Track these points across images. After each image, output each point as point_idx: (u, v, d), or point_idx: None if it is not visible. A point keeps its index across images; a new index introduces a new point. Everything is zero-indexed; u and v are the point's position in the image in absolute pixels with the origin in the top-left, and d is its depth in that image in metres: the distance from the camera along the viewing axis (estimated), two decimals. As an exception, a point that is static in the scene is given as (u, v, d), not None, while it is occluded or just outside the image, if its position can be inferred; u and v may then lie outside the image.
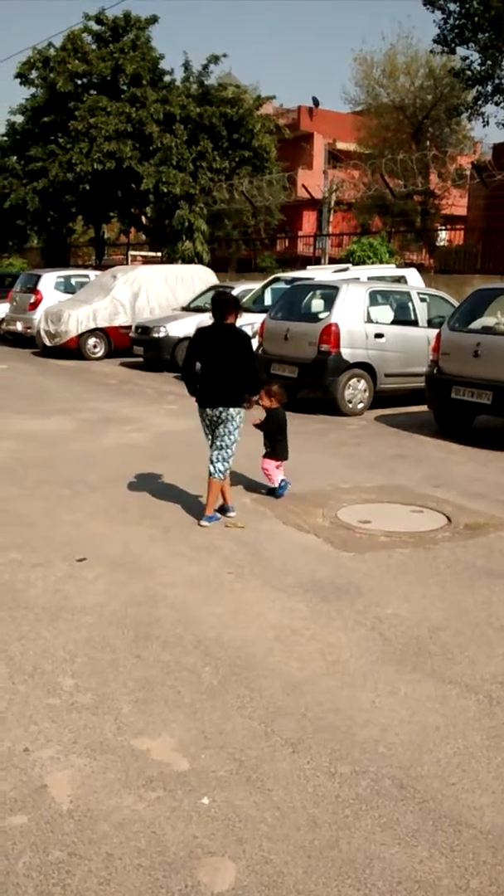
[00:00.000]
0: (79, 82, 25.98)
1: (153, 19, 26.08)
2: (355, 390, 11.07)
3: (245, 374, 6.03)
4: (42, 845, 2.62)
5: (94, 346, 17.59)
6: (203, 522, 5.99)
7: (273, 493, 6.83)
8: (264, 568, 5.16)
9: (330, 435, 9.73)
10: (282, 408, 6.94)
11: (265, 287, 14.92)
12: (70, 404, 11.34)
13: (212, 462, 6.06)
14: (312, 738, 3.26)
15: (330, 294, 11.40)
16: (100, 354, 17.60)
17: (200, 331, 6.30)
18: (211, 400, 6.02)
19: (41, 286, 19.56)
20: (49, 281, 19.78)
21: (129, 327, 16.87)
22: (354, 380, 11.03)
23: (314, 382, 11.13)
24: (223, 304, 6.13)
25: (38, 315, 18.58)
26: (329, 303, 11.26)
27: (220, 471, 6.04)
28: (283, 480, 6.83)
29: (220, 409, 5.99)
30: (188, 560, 5.27)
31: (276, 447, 6.84)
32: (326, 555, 5.46)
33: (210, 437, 6.18)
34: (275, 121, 27.94)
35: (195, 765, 3.07)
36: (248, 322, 13.16)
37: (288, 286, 13.28)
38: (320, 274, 14.49)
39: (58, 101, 25.58)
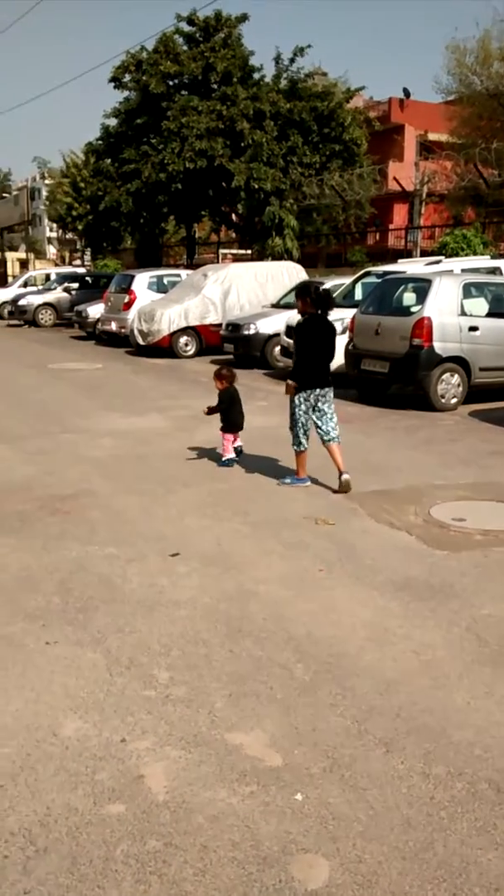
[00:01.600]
0: (171, 83, 26.35)
1: (243, 17, 26.20)
2: (448, 385, 10.86)
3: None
4: (139, 834, 2.68)
5: (186, 345, 17.83)
6: (345, 477, 6.82)
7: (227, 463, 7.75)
8: (356, 565, 5.13)
9: (422, 431, 9.58)
10: (232, 386, 7.95)
11: (356, 281, 14.81)
12: (163, 402, 11.54)
13: (328, 432, 6.87)
14: (406, 739, 3.22)
15: (422, 287, 11.22)
16: (191, 352, 17.82)
17: (310, 323, 6.91)
18: (323, 381, 6.87)
19: (134, 286, 19.93)
20: (142, 281, 20.15)
21: (219, 325, 17.03)
22: (447, 374, 10.83)
23: (406, 377, 10.98)
24: (327, 298, 6.92)
25: (131, 315, 18.95)
26: (421, 296, 11.08)
27: (337, 434, 6.94)
28: (229, 458, 7.77)
29: (328, 388, 6.92)
30: (279, 557, 5.29)
31: (228, 421, 7.86)
32: (419, 553, 5.38)
33: (307, 415, 6.90)
34: (365, 113, 27.67)
35: (288, 761, 3.08)
36: (339, 317, 13.12)
37: (379, 280, 13.13)
38: (412, 267, 14.26)
39: (150, 102, 26.01)
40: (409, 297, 11.78)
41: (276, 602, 4.55)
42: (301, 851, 2.60)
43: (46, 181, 47.30)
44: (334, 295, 14.65)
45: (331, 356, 6.94)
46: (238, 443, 7.97)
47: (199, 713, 3.41)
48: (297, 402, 6.90)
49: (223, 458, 7.79)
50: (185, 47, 26.54)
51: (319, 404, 6.87)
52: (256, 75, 26.77)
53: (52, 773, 3.01)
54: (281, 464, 7.68)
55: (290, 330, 6.77)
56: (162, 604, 4.52)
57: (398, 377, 11.06)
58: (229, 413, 7.90)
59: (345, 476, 6.81)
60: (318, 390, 6.84)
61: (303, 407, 6.89)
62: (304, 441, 6.96)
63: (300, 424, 6.91)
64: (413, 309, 11.17)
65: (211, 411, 7.98)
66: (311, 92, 25.58)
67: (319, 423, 6.89)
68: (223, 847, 2.62)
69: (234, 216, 29.19)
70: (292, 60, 26.20)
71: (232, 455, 7.81)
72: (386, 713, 3.41)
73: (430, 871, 2.52)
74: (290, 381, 6.92)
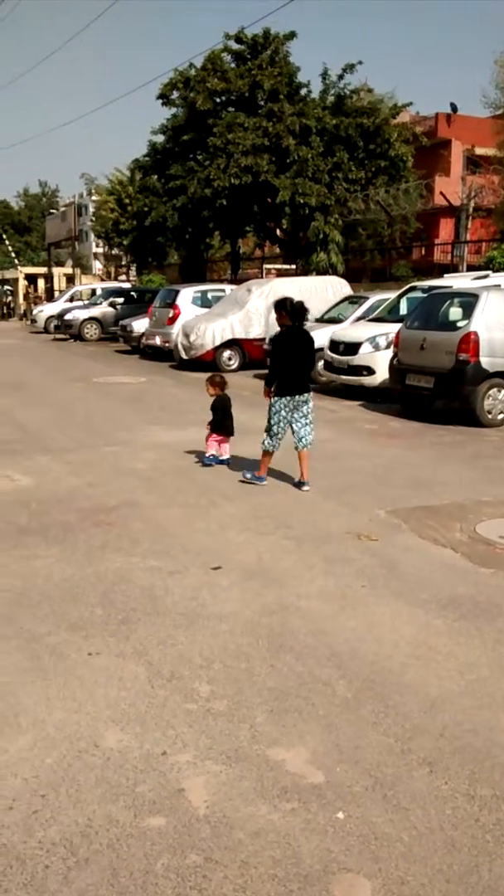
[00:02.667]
0: (217, 100, 26.57)
1: (291, 35, 26.27)
2: (495, 400, 10.74)
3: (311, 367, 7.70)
4: (179, 848, 2.67)
5: (229, 359, 17.89)
6: (305, 488, 7.32)
7: (210, 463, 8.19)
8: (399, 582, 5.08)
9: (468, 447, 9.47)
10: (224, 393, 8.38)
11: (401, 296, 14.74)
12: (205, 416, 11.52)
13: (302, 437, 7.39)
14: (450, 759, 3.17)
15: (469, 302, 11.13)
16: (234, 366, 17.87)
17: (286, 334, 7.43)
18: (302, 388, 7.37)
19: (179, 301, 20.08)
20: (186, 296, 20.30)
21: (263, 339, 17.06)
22: (494, 390, 10.71)
23: (451, 393, 10.88)
24: (302, 310, 7.41)
25: (175, 329, 19.09)
26: (468, 311, 10.99)
27: (311, 442, 7.43)
28: (212, 455, 8.25)
29: (308, 394, 7.43)
30: (321, 572, 5.26)
31: (221, 425, 8.27)
32: (464, 571, 5.31)
33: (285, 421, 7.37)
34: (412, 129, 27.60)
35: (330, 778, 3.04)
36: (383, 332, 13.08)
37: (425, 295, 13.06)
38: (458, 282, 14.16)
39: (197, 119, 26.28)
40: (455, 312, 11.69)
41: (318, 617, 4.52)
42: (343, 871, 2.57)
43: (93, 198, 48.02)
44: (379, 309, 14.68)
45: (309, 364, 7.57)
46: (226, 456, 8.37)
47: (240, 728, 3.39)
48: (276, 407, 7.36)
49: (206, 455, 8.30)
50: (232, 65, 26.77)
51: (299, 410, 7.37)
52: (303, 91, 26.90)
53: (94, 784, 3.01)
54: (324, 479, 7.64)
55: (271, 341, 7.73)
56: (204, 617, 4.52)
57: (444, 392, 10.97)
58: (221, 418, 8.37)
59: (305, 487, 7.34)
60: (297, 397, 7.33)
61: (283, 413, 7.35)
62: (276, 444, 7.45)
63: (277, 428, 7.40)
64: (459, 324, 11.08)
65: (212, 423, 8.44)
66: (358, 108, 25.60)
67: (297, 427, 7.39)
68: (264, 864, 2.60)
69: (278, 231, 29.28)
70: (341, 77, 26.28)
71: (215, 452, 8.30)
72: (429, 732, 3.36)
73: (474, 895, 2.46)
74: (266, 388, 7.42)
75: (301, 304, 7.44)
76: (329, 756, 3.19)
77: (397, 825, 2.78)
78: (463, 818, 2.82)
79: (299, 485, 7.40)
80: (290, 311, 7.33)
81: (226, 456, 8.39)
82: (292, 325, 7.37)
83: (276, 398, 7.35)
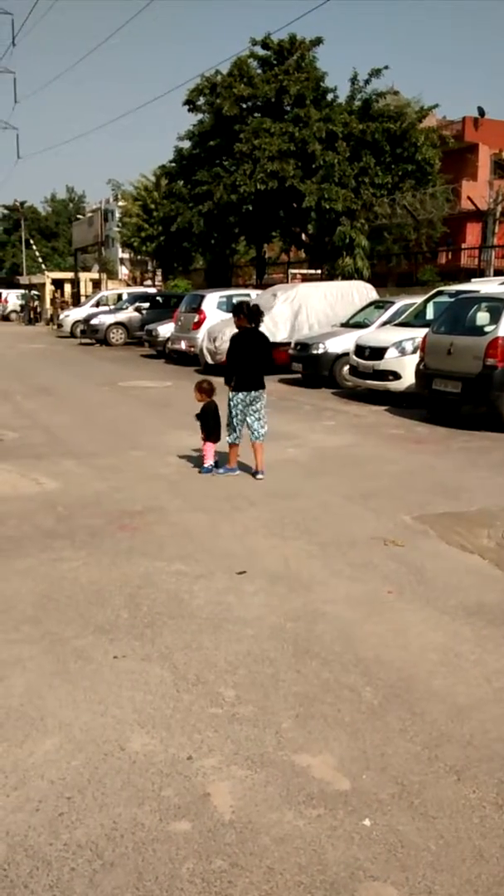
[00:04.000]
0: (244, 105, 26.63)
1: (318, 41, 26.30)
2: (523, 406, 10.63)
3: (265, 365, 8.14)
4: (205, 853, 2.66)
5: (255, 363, 17.87)
6: (259, 477, 7.86)
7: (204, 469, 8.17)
8: (426, 588, 5.04)
9: (495, 453, 9.39)
10: (213, 400, 8.34)
11: (427, 301, 14.68)
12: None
13: (256, 430, 7.94)
14: (478, 767, 3.13)
15: (497, 307, 11.04)
16: (260, 371, 17.86)
17: (244, 335, 8.03)
18: (257, 384, 7.98)
19: (204, 306, 20.14)
20: (212, 301, 20.35)
21: (288, 344, 17.05)
22: (522, 395, 10.60)
23: (479, 398, 10.80)
24: (258, 313, 8.05)
25: (200, 334, 19.14)
26: (496, 316, 10.90)
27: (264, 434, 7.98)
28: (212, 464, 8.19)
29: (262, 390, 8.04)
30: (347, 577, 5.23)
31: (211, 432, 8.22)
32: (493, 577, 5.26)
33: (242, 414, 7.97)
34: (439, 133, 27.48)
35: (356, 785, 3.02)
36: (410, 336, 13.03)
37: (452, 299, 12.99)
38: (486, 286, 14.08)
39: (223, 125, 26.36)
40: (482, 317, 11.60)
41: (344, 623, 4.50)
42: (369, 879, 2.55)
43: (119, 203, 48.37)
44: (405, 314, 14.62)
45: (264, 362, 8.13)
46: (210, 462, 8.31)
47: (265, 733, 3.38)
48: (234, 402, 7.99)
49: (204, 465, 8.22)
50: (258, 70, 26.84)
51: (253, 405, 7.97)
52: (330, 97, 26.90)
53: (119, 787, 3.02)
54: (349, 483, 7.62)
55: (231, 341, 8.13)
56: (229, 621, 4.51)
57: (471, 397, 10.89)
58: (211, 424, 8.28)
59: (259, 476, 7.89)
60: (252, 392, 7.97)
61: (239, 406, 7.98)
62: (237, 434, 8.05)
63: (236, 421, 8.00)
64: (487, 329, 10.99)
65: (199, 418, 8.38)
66: (384, 112, 25.55)
67: (251, 421, 7.99)
68: (289, 870, 2.58)
69: (304, 236, 29.27)
70: (367, 82, 26.24)
71: (213, 462, 8.22)
72: (457, 740, 3.32)
73: (503, 906, 2.43)
74: (227, 384, 7.99)
75: (257, 307, 8.25)
76: (355, 763, 3.17)
77: (424, 834, 2.76)
78: (491, 828, 2.79)
79: (255, 474, 7.93)
80: (247, 314, 8.01)
81: (211, 461, 8.28)
82: (249, 326, 8.03)
83: (233, 393, 7.98)
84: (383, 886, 2.51)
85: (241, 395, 7.96)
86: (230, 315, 19.48)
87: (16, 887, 2.52)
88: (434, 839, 2.73)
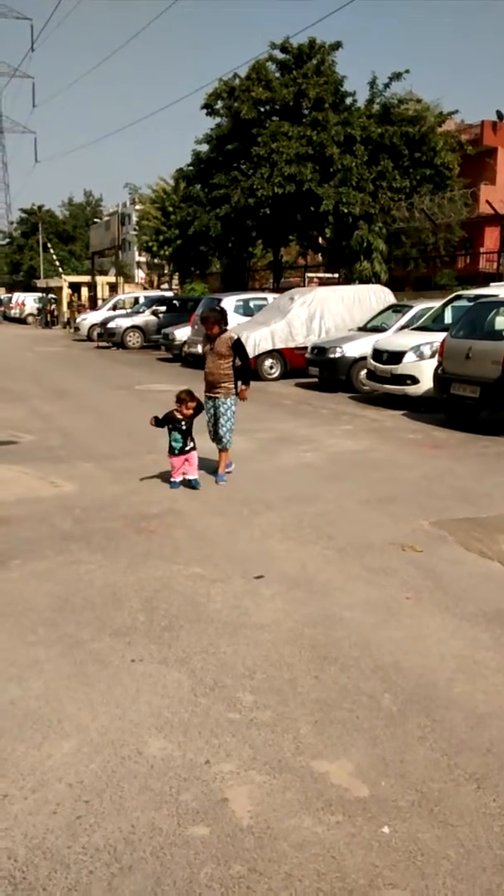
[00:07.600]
0: (262, 109, 26.66)
1: (337, 45, 26.27)
2: (541, 412, 10.57)
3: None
4: (223, 858, 2.65)
5: (271, 367, 17.90)
6: (220, 481, 8.06)
7: (191, 484, 7.89)
8: (444, 594, 5.01)
9: (513, 458, 9.33)
10: (195, 412, 8.26)
11: (445, 305, 14.63)
12: (247, 424, 11.56)
13: (221, 438, 8.25)
14: (498, 775, 3.10)
15: (515, 311, 10.99)
16: (275, 375, 17.88)
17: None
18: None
19: (221, 309, 20.12)
20: (229, 304, 20.33)
21: (305, 348, 17.04)
22: (541, 400, 10.54)
23: (497, 403, 10.73)
24: (208, 319, 8.43)
25: (218, 337, 19.12)
26: (514, 320, 10.85)
27: (231, 440, 8.29)
28: (185, 478, 7.96)
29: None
30: (364, 582, 5.21)
31: (193, 444, 8.05)
32: (511, 583, 5.22)
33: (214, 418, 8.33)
34: (457, 137, 27.40)
35: (375, 792, 3.00)
36: (428, 341, 12.98)
37: (470, 303, 12.93)
38: (504, 291, 14.00)
39: (241, 128, 26.40)
40: (501, 322, 11.55)
41: (362, 629, 4.47)
42: (388, 886, 2.53)
43: (136, 207, 48.54)
44: (423, 318, 14.58)
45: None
46: (180, 475, 7.91)
47: (283, 738, 3.36)
48: (207, 405, 8.52)
49: (193, 478, 7.89)
50: (277, 74, 26.86)
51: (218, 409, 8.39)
52: (348, 100, 26.88)
53: (137, 791, 3.01)
54: (367, 488, 7.59)
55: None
56: (246, 626, 4.50)
57: (489, 402, 10.83)
58: (192, 436, 8.06)
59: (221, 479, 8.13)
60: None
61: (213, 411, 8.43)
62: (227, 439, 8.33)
63: (208, 426, 8.41)
64: (505, 333, 10.94)
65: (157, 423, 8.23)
66: (403, 116, 25.49)
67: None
68: (308, 876, 2.57)
69: (321, 240, 29.25)
70: (387, 86, 26.20)
71: (181, 479, 7.87)
72: (476, 748, 3.30)
73: (524, 917, 2.40)
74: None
75: (223, 310, 8.76)
76: (374, 769, 3.15)
77: (443, 842, 2.73)
78: (512, 837, 2.76)
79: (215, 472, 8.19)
80: (219, 321, 8.45)
81: (195, 475, 7.95)
82: (224, 330, 8.42)
83: (232, 399, 8.51)
84: (402, 894, 2.49)
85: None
86: (247, 319, 19.62)
87: (34, 890, 2.52)
88: (454, 847, 2.71)
